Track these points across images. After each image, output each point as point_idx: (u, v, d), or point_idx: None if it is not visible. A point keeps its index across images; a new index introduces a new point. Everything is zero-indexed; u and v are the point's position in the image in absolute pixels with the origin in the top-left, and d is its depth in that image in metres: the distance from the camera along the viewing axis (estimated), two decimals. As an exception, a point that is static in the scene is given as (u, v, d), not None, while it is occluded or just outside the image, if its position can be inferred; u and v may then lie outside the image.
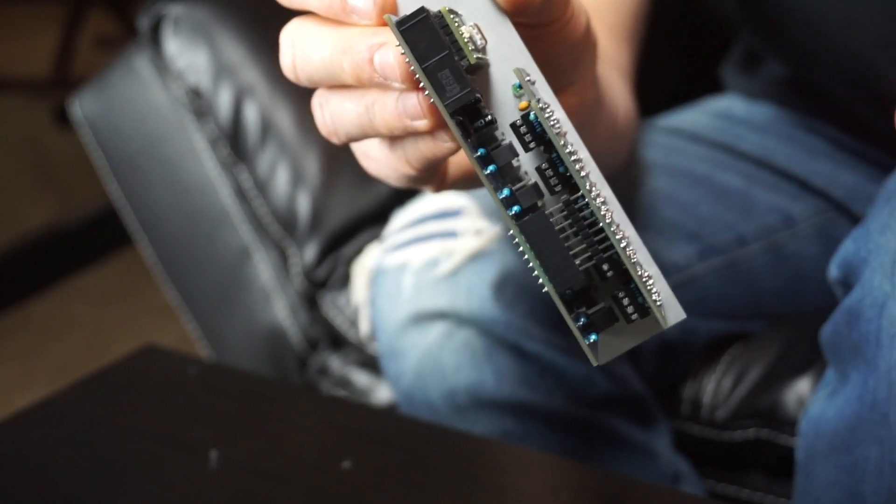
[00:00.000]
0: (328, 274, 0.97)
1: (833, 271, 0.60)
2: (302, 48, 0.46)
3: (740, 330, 0.82)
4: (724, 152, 0.83)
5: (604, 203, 0.43)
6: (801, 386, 0.79)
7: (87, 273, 2.18)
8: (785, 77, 0.86)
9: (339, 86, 0.46)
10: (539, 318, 0.73)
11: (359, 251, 0.95)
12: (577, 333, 0.43)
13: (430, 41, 0.42)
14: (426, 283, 0.74)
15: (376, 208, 0.97)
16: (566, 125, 0.44)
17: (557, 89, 0.51)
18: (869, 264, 0.56)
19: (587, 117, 0.56)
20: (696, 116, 0.87)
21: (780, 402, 0.79)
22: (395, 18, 0.42)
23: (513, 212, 0.43)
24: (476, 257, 0.73)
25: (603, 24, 0.71)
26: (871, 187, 0.82)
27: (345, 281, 0.96)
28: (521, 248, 0.43)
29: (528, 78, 0.44)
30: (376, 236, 0.92)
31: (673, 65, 1.02)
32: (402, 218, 0.78)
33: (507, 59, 0.45)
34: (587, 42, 0.51)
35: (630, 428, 0.76)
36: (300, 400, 0.71)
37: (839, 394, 0.59)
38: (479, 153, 0.43)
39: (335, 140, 0.48)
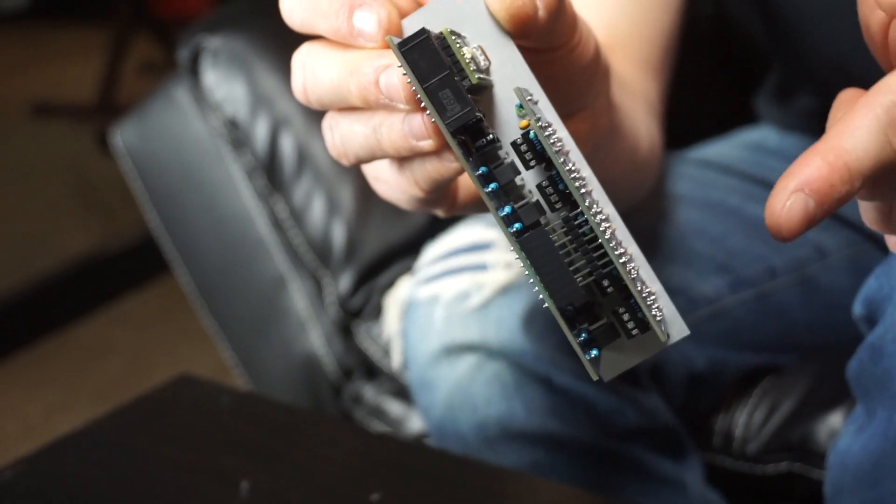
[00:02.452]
0: (363, 303, 0.98)
1: (857, 308, 0.60)
2: (312, 71, 0.47)
3: (772, 363, 0.82)
4: (755, 184, 0.83)
5: (604, 220, 0.43)
6: (834, 420, 0.78)
7: (128, 298, 2.20)
8: (818, 108, 0.86)
9: (348, 108, 0.47)
10: (568, 350, 0.73)
11: (392, 282, 0.95)
12: (577, 349, 0.43)
13: (431, 62, 0.43)
14: (457, 316, 0.74)
15: (411, 238, 0.97)
16: (569, 144, 0.44)
17: (567, 114, 0.51)
18: (892, 301, 0.56)
19: (601, 143, 0.56)
20: (728, 148, 0.87)
21: (812, 436, 0.78)
22: (396, 40, 0.43)
23: (514, 229, 0.43)
24: (506, 290, 0.74)
25: (632, 56, 0.71)
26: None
27: (379, 311, 0.97)
28: (521, 265, 0.43)
29: (529, 98, 0.44)
30: (410, 267, 0.93)
31: (705, 96, 1.02)
32: (433, 251, 0.79)
33: (511, 79, 0.45)
34: (596, 68, 0.51)
35: (660, 460, 0.76)
36: (331, 431, 0.72)
37: (865, 429, 0.59)
38: (480, 171, 0.43)
39: (345, 162, 0.49)
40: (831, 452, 0.62)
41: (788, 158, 0.86)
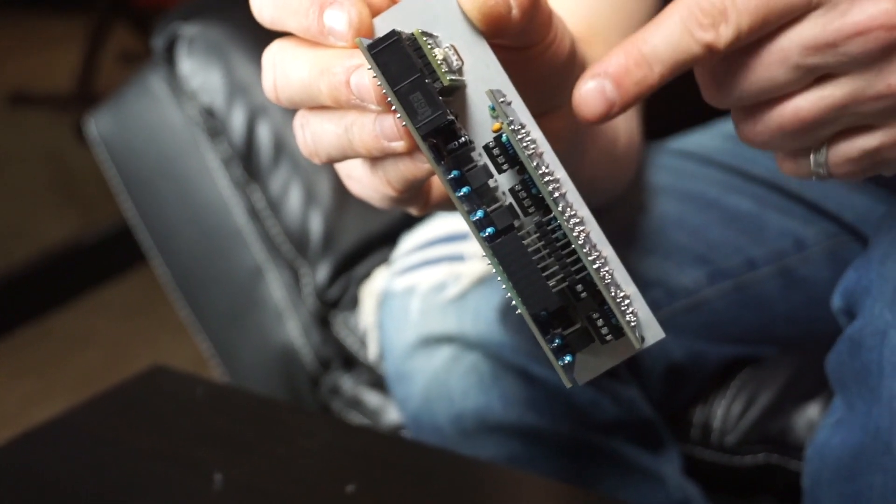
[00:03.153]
0: (340, 294, 0.97)
1: (836, 301, 0.60)
2: (282, 70, 0.47)
3: (751, 355, 0.82)
4: (735, 175, 0.83)
5: (578, 223, 0.43)
6: (812, 411, 0.78)
7: (107, 288, 2.19)
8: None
9: (319, 107, 0.47)
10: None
11: (370, 273, 0.95)
12: (549, 355, 0.43)
13: (401, 64, 0.42)
14: (433, 307, 0.74)
15: (389, 229, 0.97)
16: (543, 146, 0.44)
17: (543, 111, 0.51)
18: (870, 294, 0.56)
19: (578, 140, 0.55)
20: (708, 139, 0.87)
21: (790, 428, 0.78)
22: (366, 42, 0.43)
23: (486, 234, 0.43)
24: (483, 281, 0.73)
25: (611, 48, 0.71)
26: (884, 210, 0.81)
27: (356, 301, 0.96)
28: (494, 271, 0.43)
29: (502, 99, 0.44)
30: (387, 258, 0.92)
31: (686, 87, 1.01)
32: (410, 241, 0.78)
33: (484, 80, 0.45)
34: (572, 65, 0.51)
35: (638, 452, 0.76)
36: (307, 422, 0.71)
37: (844, 422, 0.59)
38: (452, 175, 0.43)
39: (317, 161, 0.49)
40: (810, 446, 0.62)
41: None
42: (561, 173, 0.44)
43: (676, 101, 0.99)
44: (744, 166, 0.84)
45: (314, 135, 0.47)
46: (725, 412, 0.81)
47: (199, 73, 0.99)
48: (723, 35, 0.44)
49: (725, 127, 0.90)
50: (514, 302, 0.42)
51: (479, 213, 0.43)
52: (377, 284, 0.89)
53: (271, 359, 1.01)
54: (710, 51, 0.45)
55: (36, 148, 2.74)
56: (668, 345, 0.78)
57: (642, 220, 0.79)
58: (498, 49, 0.45)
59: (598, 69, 0.45)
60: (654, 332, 0.44)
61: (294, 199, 0.98)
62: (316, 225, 0.98)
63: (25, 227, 2.38)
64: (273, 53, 0.47)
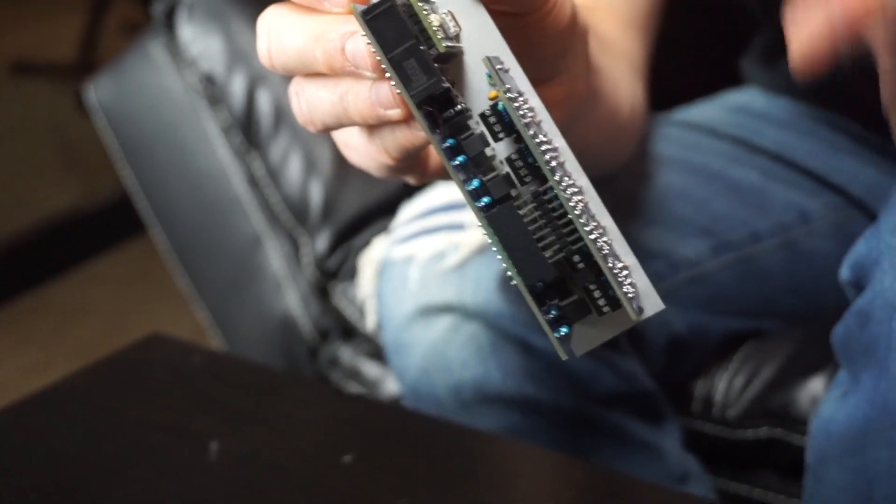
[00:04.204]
0: (340, 264, 0.97)
1: (844, 273, 0.59)
2: (277, 36, 0.46)
3: (754, 328, 0.81)
4: (740, 147, 0.82)
5: (576, 193, 0.42)
6: (815, 385, 0.78)
7: (106, 258, 2.19)
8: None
9: (314, 74, 0.46)
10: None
11: (369, 242, 0.94)
12: (545, 326, 0.42)
13: (396, 30, 0.42)
14: (432, 276, 0.73)
15: (389, 199, 0.96)
16: (541, 114, 0.43)
17: (543, 79, 0.50)
18: (880, 266, 0.55)
19: (579, 108, 0.55)
20: (713, 110, 0.86)
21: (793, 402, 0.78)
22: (360, 7, 0.42)
23: (482, 203, 0.42)
24: (483, 250, 0.72)
25: (616, 16, 0.70)
26: (893, 184, 0.80)
27: (356, 271, 0.96)
28: (489, 241, 0.42)
29: (499, 66, 0.43)
30: (387, 227, 0.92)
31: (691, 58, 1.01)
32: (409, 210, 0.78)
33: (482, 46, 0.44)
34: (573, 32, 0.50)
35: (638, 425, 0.75)
36: (304, 392, 0.71)
37: (850, 396, 0.58)
38: (448, 144, 0.42)
39: (312, 129, 0.48)
40: (814, 420, 0.62)
41: (775, 121, 0.85)
42: (559, 142, 0.43)
43: (682, 71, 0.99)
44: (749, 138, 0.83)
45: (309, 102, 0.47)
46: (728, 385, 0.80)
47: (199, 39, 0.99)
48: None
49: (731, 98, 0.89)
50: (509, 273, 0.42)
51: (475, 183, 0.42)
52: (376, 253, 0.88)
53: (270, 329, 1.00)
54: None
55: (37, 117, 2.73)
56: (670, 317, 0.77)
57: (646, 191, 0.78)
58: (496, 15, 0.45)
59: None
60: (653, 303, 0.43)
61: (294, 168, 0.97)
62: (316, 194, 0.97)
63: (26, 196, 2.38)
64: (268, 19, 0.47)
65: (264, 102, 0.98)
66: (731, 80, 0.93)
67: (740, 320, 0.80)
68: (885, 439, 0.56)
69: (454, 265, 0.73)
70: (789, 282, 0.80)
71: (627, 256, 0.43)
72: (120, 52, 1.06)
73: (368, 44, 0.42)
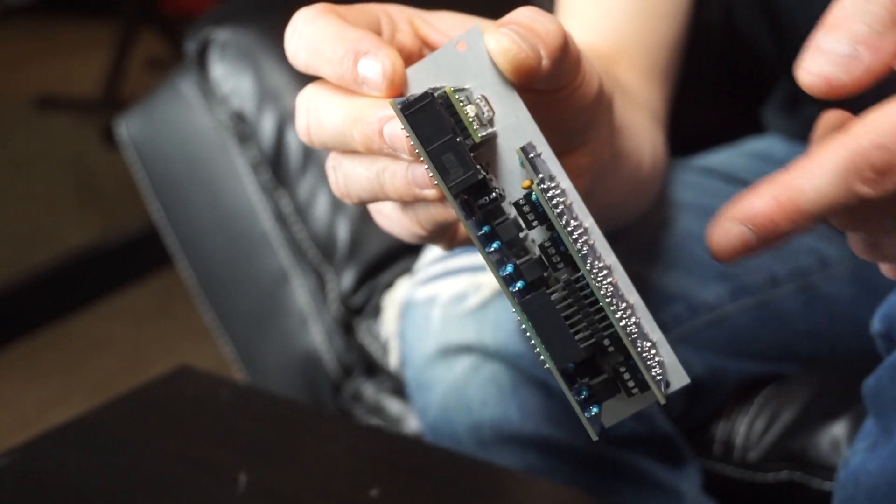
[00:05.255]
0: (364, 301, 0.98)
1: (876, 325, 0.60)
2: (316, 114, 0.47)
3: (773, 371, 0.82)
4: (760, 193, 0.83)
5: (605, 276, 0.43)
6: (836, 430, 0.78)
7: (126, 292, 2.20)
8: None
9: (351, 151, 0.47)
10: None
11: (393, 281, 0.95)
12: (576, 408, 0.43)
13: (433, 125, 0.42)
14: (454, 317, 0.74)
15: (413, 238, 0.97)
16: (571, 195, 0.44)
17: (570, 150, 0.51)
18: None
19: (603, 172, 0.56)
20: (733, 157, 0.87)
21: (813, 445, 0.78)
22: (400, 102, 0.43)
23: (516, 288, 0.43)
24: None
25: (636, 65, 0.71)
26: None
27: (380, 309, 0.96)
28: (523, 326, 0.43)
29: (531, 154, 0.44)
30: (411, 267, 0.93)
31: (712, 105, 1.02)
32: (432, 251, 0.79)
33: (515, 130, 0.45)
34: (600, 103, 0.51)
35: (656, 467, 0.75)
36: (330, 427, 0.71)
37: (881, 448, 0.58)
38: (483, 231, 0.43)
39: (348, 202, 0.49)
40: (842, 469, 0.62)
41: (794, 168, 0.86)
42: (589, 222, 0.44)
43: (703, 118, 1.00)
44: (769, 184, 0.84)
45: (346, 177, 0.48)
46: (748, 428, 0.80)
47: (231, 77, 1.00)
48: (884, 188, 0.39)
49: (750, 145, 0.90)
50: (542, 357, 0.43)
51: (509, 268, 0.43)
52: (400, 293, 0.89)
53: (294, 364, 1.01)
54: (862, 201, 0.40)
55: (61, 152, 2.75)
56: (689, 360, 0.77)
57: (664, 236, 0.79)
58: (527, 93, 0.46)
59: (743, 214, 0.40)
60: (679, 378, 0.45)
61: (321, 206, 0.98)
62: (342, 232, 0.98)
63: (47, 229, 2.39)
64: (307, 98, 0.48)
65: (293, 140, 1.00)
66: (752, 127, 0.94)
67: (759, 364, 0.81)
68: None
69: (475, 306, 0.74)
70: (807, 326, 0.81)
71: (654, 332, 0.44)
72: (151, 89, 1.08)
73: (407, 137, 0.43)
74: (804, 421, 0.79)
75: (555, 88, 0.48)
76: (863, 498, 0.60)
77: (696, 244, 0.79)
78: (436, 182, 0.43)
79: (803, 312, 0.80)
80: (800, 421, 0.79)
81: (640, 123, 0.66)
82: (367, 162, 0.47)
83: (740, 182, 0.84)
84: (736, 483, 0.80)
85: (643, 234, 0.78)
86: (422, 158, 0.43)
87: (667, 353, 0.44)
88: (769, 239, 0.40)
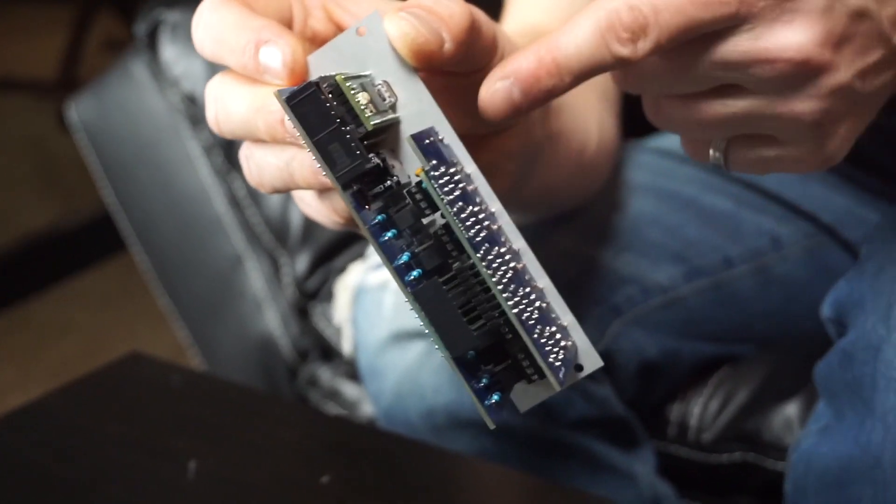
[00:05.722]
0: (319, 285, 0.97)
1: (826, 310, 0.60)
2: (223, 104, 0.47)
3: (727, 353, 0.82)
4: (713, 175, 0.83)
5: (504, 263, 0.43)
6: (789, 410, 0.78)
7: (86, 276, 2.18)
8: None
9: (261, 140, 0.47)
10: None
11: (346, 266, 0.95)
12: (473, 396, 0.43)
13: (319, 115, 0.42)
14: (406, 303, 0.73)
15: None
16: (477, 181, 0.44)
17: (494, 133, 0.51)
18: (863, 307, 0.56)
19: (538, 153, 0.55)
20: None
21: (766, 426, 0.79)
22: (285, 93, 0.42)
23: (412, 276, 0.42)
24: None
25: None
26: (863, 211, 0.81)
27: (333, 294, 0.96)
28: (416, 316, 0.42)
29: (428, 140, 0.43)
30: (363, 253, 0.92)
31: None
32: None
33: (418, 115, 0.45)
34: None
35: (609, 450, 0.76)
36: (284, 412, 0.71)
37: (833, 431, 0.59)
38: (377, 220, 0.43)
39: (263, 191, 0.49)
40: (794, 451, 0.62)
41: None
42: (495, 206, 0.44)
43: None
44: (723, 165, 0.84)
45: (258, 167, 0.48)
46: (702, 410, 0.81)
47: (182, 59, 0.99)
48: (640, 49, 0.43)
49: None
50: (436, 346, 0.42)
51: (405, 257, 0.43)
52: (352, 279, 0.89)
53: (250, 348, 1.01)
54: (623, 63, 0.44)
55: (18, 134, 2.73)
56: (643, 342, 0.78)
57: (618, 218, 0.79)
58: (438, 76, 0.46)
59: (508, 70, 0.44)
60: (592, 361, 0.45)
61: (274, 189, 0.98)
62: (296, 215, 0.98)
63: (5, 213, 2.37)
64: (214, 88, 0.48)
65: (246, 124, 0.99)
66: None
67: (713, 345, 0.81)
68: (867, 477, 0.56)
69: (429, 290, 0.73)
70: (762, 307, 0.81)
71: (565, 316, 0.44)
72: (102, 71, 1.07)
73: (294, 128, 0.43)
74: (758, 402, 0.79)
75: (467, 71, 0.47)
76: (814, 479, 0.60)
77: (651, 226, 0.79)
78: (323, 174, 0.43)
79: (757, 294, 0.81)
80: (754, 402, 0.79)
81: (587, 104, 0.66)
82: (277, 151, 0.47)
83: (693, 163, 0.84)
84: (690, 464, 0.81)
85: (596, 216, 0.78)
86: (308, 151, 0.43)
87: (579, 337, 0.44)
88: (533, 94, 0.44)
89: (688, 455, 0.81)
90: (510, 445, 0.73)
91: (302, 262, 0.98)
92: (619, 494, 0.75)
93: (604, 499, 0.62)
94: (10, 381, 1.88)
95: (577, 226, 0.76)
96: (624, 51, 0.43)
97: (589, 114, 0.66)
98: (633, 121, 0.77)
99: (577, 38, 0.44)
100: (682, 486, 0.80)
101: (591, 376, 0.75)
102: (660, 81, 0.46)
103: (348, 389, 0.95)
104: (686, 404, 0.82)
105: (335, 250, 0.97)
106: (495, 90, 0.44)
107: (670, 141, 0.87)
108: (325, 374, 0.96)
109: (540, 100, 0.44)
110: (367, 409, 0.93)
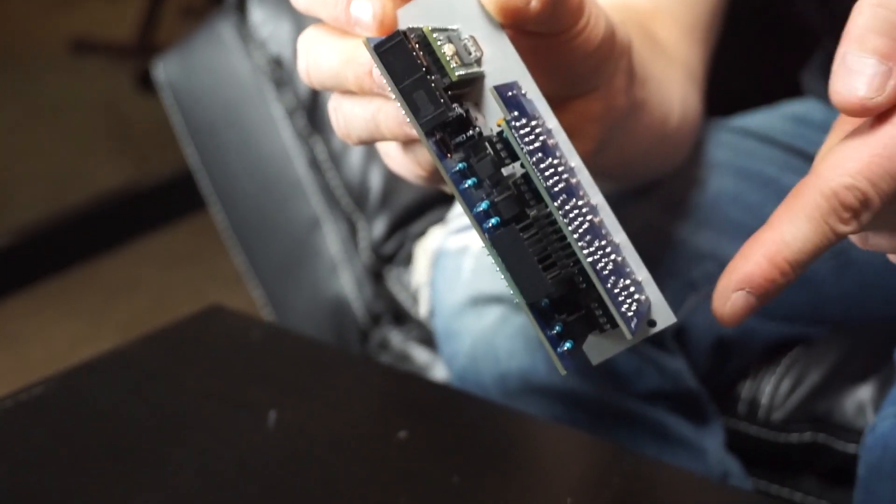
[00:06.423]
0: (395, 250, 0.98)
1: None
2: (314, 56, 0.48)
3: (801, 334, 0.82)
4: (795, 156, 0.83)
5: (581, 215, 0.43)
6: (861, 393, 0.78)
7: (156, 235, 2.21)
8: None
9: (349, 91, 0.48)
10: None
11: (425, 230, 0.96)
12: (545, 342, 0.43)
13: (405, 63, 0.43)
14: (485, 267, 0.74)
15: (446, 188, 0.97)
16: (558, 136, 0.44)
17: (578, 94, 0.51)
18: None
19: (621, 120, 0.56)
20: (771, 119, 0.87)
21: (838, 408, 0.78)
22: (374, 41, 0.43)
23: (490, 224, 0.43)
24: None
25: (675, 22, 0.71)
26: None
27: (410, 258, 0.97)
28: (492, 262, 0.43)
29: (510, 93, 0.44)
30: (443, 217, 0.93)
31: (752, 66, 1.01)
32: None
33: (503, 71, 0.45)
34: (609, 50, 0.51)
35: (680, 423, 0.76)
36: (360, 369, 0.72)
37: None
38: (458, 167, 0.43)
39: (350, 142, 0.50)
40: (869, 434, 0.62)
41: (831, 132, 0.85)
42: (575, 161, 0.45)
43: (743, 79, 0.99)
44: (806, 147, 0.84)
45: (346, 118, 0.49)
46: (774, 389, 0.81)
47: (269, 22, 1.00)
48: (863, 221, 0.42)
49: (788, 108, 0.90)
50: (511, 292, 0.43)
51: (484, 205, 0.43)
52: (431, 243, 0.89)
53: (323, 310, 1.02)
54: (847, 235, 0.43)
55: (95, 95, 2.77)
56: (718, 319, 0.77)
57: (698, 194, 0.79)
58: (524, 36, 0.46)
59: (741, 280, 0.42)
60: (664, 317, 0.45)
61: (356, 153, 0.99)
62: (376, 180, 0.98)
63: (80, 171, 2.41)
64: (306, 39, 0.49)
65: (330, 88, 1.00)
66: (791, 90, 0.94)
67: (788, 326, 0.81)
68: None
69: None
70: (838, 290, 0.81)
71: (640, 272, 0.45)
72: (190, 32, 1.08)
73: (381, 76, 0.44)
74: (830, 383, 0.79)
75: (553, 32, 0.48)
76: (890, 463, 0.60)
77: (731, 204, 0.79)
78: (408, 120, 0.43)
79: (834, 277, 0.80)
80: (826, 383, 0.79)
81: (672, 78, 0.66)
82: (364, 102, 0.48)
83: (777, 144, 0.84)
84: (759, 442, 0.81)
85: (676, 192, 0.78)
86: (394, 97, 0.43)
87: (653, 293, 0.45)
88: (769, 295, 0.43)
89: (757, 433, 0.81)
90: (582, 413, 0.74)
91: (379, 227, 0.98)
92: (689, 467, 0.75)
93: (678, 468, 0.62)
94: (81, 333, 1.91)
95: (656, 200, 0.77)
96: (848, 228, 0.42)
97: (673, 87, 0.66)
98: (715, 99, 0.77)
99: (801, 232, 0.42)
100: (749, 465, 0.80)
101: (666, 348, 0.76)
102: (870, 227, 0.45)
103: (419, 354, 0.96)
104: (758, 383, 0.82)
105: (413, 216, 0.98)
106: (733, 302, 0.43)
107: (754, 121, 0.87)
108: (396, 337, 0.97)
109: (773, 296, 0.43)
110: (438, 374, 0.94)
